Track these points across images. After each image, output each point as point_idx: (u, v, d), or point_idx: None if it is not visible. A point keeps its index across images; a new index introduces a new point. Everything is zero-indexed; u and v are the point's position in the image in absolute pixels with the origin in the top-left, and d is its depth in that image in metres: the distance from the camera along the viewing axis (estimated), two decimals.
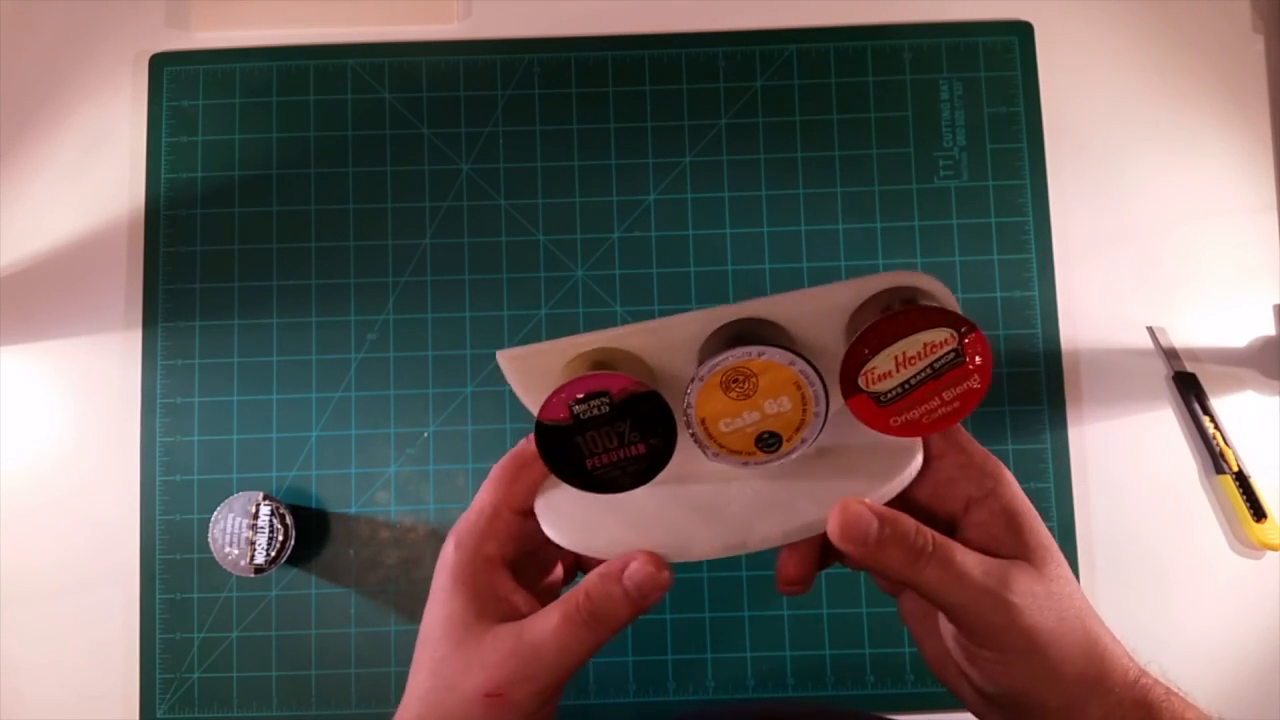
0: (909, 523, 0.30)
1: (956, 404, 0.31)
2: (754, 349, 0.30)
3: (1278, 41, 0.60)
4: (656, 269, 0.58)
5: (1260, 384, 0.57)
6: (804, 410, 0.31)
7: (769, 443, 0.31)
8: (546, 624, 0.32)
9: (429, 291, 0.58)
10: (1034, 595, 0.30)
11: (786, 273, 0.58)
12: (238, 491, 0.54)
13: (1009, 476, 0.32)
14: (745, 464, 0.32)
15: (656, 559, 0.31)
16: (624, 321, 0.57)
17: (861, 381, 0.31)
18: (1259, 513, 0.55)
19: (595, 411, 0.30)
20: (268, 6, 0.60)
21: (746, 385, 0.31)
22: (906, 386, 0.31)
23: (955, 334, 0.30)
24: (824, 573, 0.54)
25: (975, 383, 0.31)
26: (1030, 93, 0.59)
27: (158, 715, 0.55)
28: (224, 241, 0.58)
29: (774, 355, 0.30)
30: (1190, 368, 0.57)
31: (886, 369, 0.30)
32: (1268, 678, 0.55)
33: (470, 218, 0.58)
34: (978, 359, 0.30)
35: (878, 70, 0.60)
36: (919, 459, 0.33)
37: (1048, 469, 0.56)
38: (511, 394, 0.34)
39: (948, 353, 0.30)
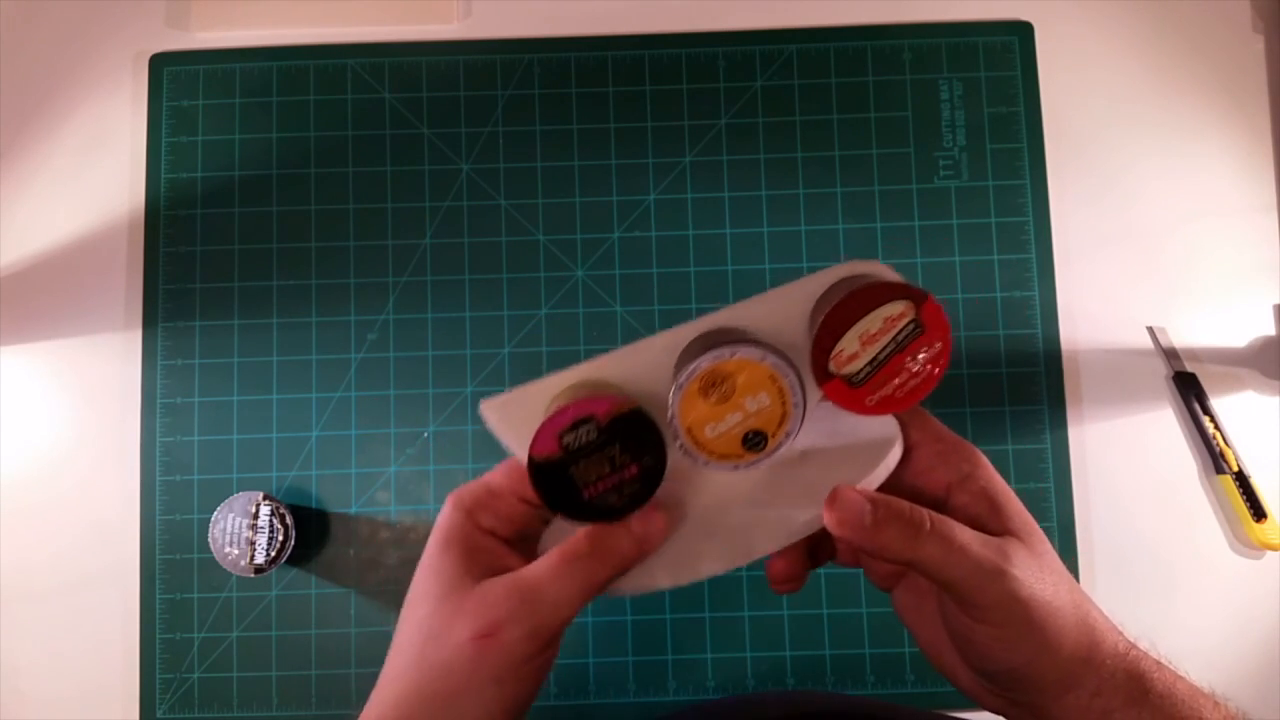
0: (902, 503, 0.30)
1: (925, 373, 0.32)
2: (726, 349, 0.31)
3: (1278, 41, 0.60)
4: (656, 269, 0.58)
5: (1260, 384, 0.57)
6: (783, 404, 0.31)
7: (755, 442, 0.32)
8: (543, 563, 0.32)
9: (429, 291, 0.58)
10: (1029, 568, 0.30)
11: (786, 273, 0.58)
12: (238, 491, 0.54)
13: (984, 460, 0.33)
14: (736, 467, 0.32)
15: (663, 517, 0.32)
16: (624, 322, 0.57)
17: (832, 366, 0.32)
18: (1259, 513, 0.55)
19: (585, 439, 0.31)
20: (268, 6, 0.60)
21: (725, 387, 0.31)
22: (875, 363, 0.32)
23: (911, 305, 0.31)
24: (824, 572, 0.55)
25: (938, 349, 0.32)
26: (1030, 93, 0.59)
27: (158, 715, 0.55)
28: (224, 241, 0.58)
29: (746, 352, 0.31)
30: (1190, 368, 0.57)
31: (853, 350, 0.31)
32: (1268, 678, 0.55)
33: (470, 218, 0.58)
34: (936, 325, 0.31)
35: (878, 70, 0.60)
36: (899, 443, 0.33)
37: (1048, 469, 0.56)
38: None
39: (907, 324, 0.31)
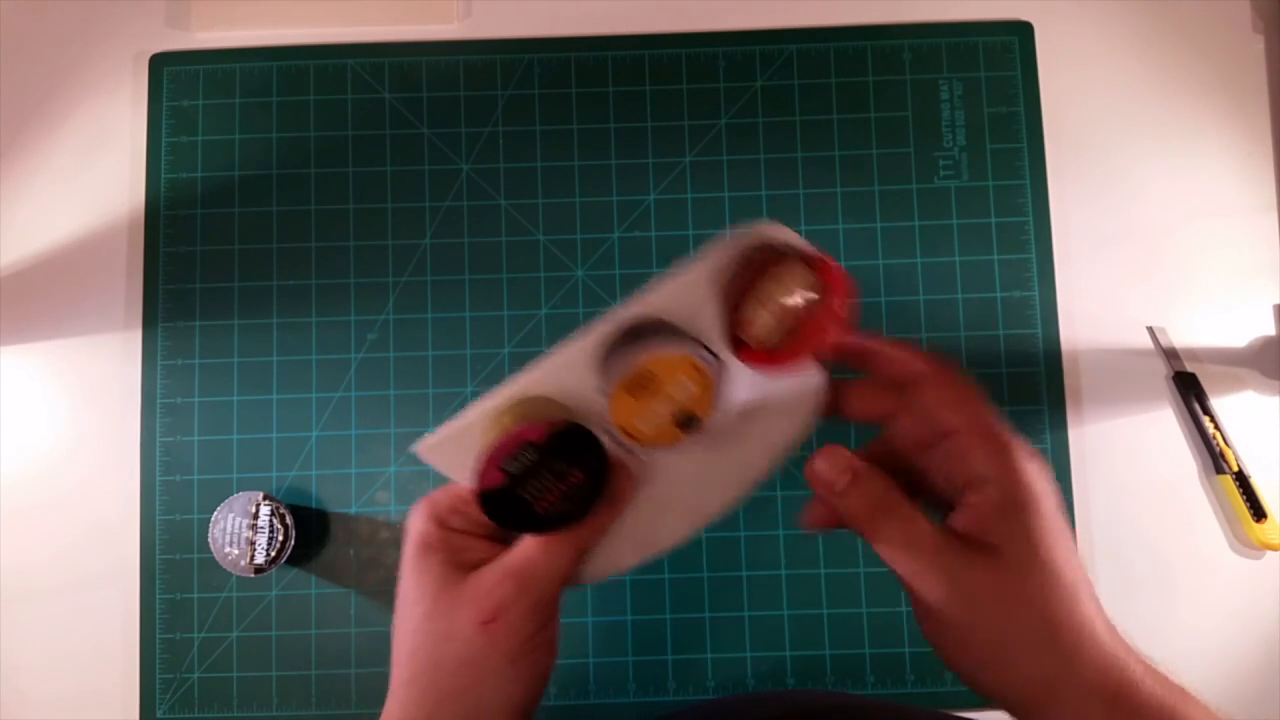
0: (880, 482, 0.32)
1: (834, 326, 0.33)
2: (643, 351, 0.32)
3: (1278, 41, 0.60)
4: (657, 269, 0.58)
5: (1260, 384, 0.57)
6: (705, 384, 0.33)
7: (689, 423, 0.33)
8: (528, 541, 0.33)
9: (429, 291, 0.58)
10: (977, 584, 0.30)
11: None
12: (238, 491, 0.54)
13: (1023, 464, 0.31)
14: (676, 449, 0.34)
15: (628, 470, 0.34)
16: None
17: (743, 335, 0.33)
18: (1259, 513, 0.55)
19: (526, 462, 0.32)
20: (268, 6, 0.60)
21: (649, 383, 0.33)
22: (783, 324, 0.33)
23: (805, 263, 0.33)
24: (824, 572, 0.55)
25: (838, 299, 0.33)
26: (1030, 93, 0.59)
27: (158, 715, 0.55)
28: (224, 241, 0.58)
29: (662, 349, 0.32)
30: (1190, 368, 0.57)
31: (760, 316, 0.33)
32: (1268, 678, 0.55)
33: (470, 218, 0.58)
34: (835, 280, 0.33)
35: (878, 70, 0.59)
36: (819, 387, 0.35)
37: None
38: None
39: (808, 283, 0.33)
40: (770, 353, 0.33)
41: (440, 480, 0.34)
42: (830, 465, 0.32)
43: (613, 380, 0.32)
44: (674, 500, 0.35)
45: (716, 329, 0.33)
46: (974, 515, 0.31)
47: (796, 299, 0.32)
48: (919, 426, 0.33)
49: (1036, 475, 0.31)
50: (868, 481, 0.32)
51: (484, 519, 0.33)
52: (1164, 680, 0.30)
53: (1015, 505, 0.31)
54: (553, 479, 0.32)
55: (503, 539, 0.34)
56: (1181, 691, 0.30)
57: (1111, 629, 0.31)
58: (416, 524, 0.34)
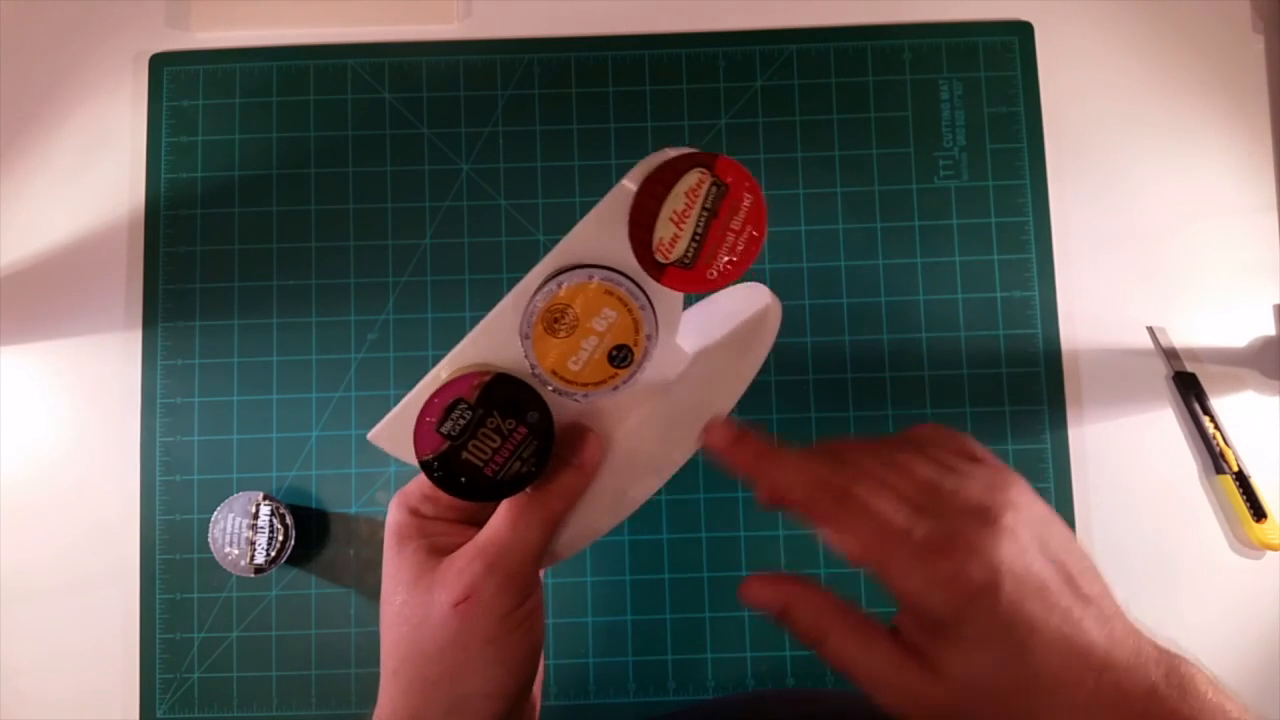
0: (815, 601, 0.31)
1: (751, 229, 0.32)
2: (550, 284, 0.31)
3: (1278, 41, 0.60)
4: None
5: (1260, 384, 0.57)
6: (629, 311, 0.32)
7: (621, 358, 0.32)
8: (496, 518, 0.32)
9: (429, 291, 0.58)
10: (932, 699, 0.28)
11: (787, 273, 0.58)
12: (238, 491, 0.54)
13: (952, 573, 0.28)
14: (616, 388, 0.32)
15: (595, 437, 0.33)
16: None
17: (660, 257, 0.32)
18: (1259, 513, 0.55)
19: (462, 421, 0.31)
20: (268, 6, 0.60)
21: (567, 317, 0.31)
22: (698, 238, 0.32)
23: (705, 170, 0.31)
24: (824, 572, 0.55)
25: (750, 201, 0.32)
26: (1030, 93, 0.59)
27: (158, 715, 0.55)
28: (224, 241, 0.58)
29: (570, 278, 0.31)
30: (1190, 368, 0.57)
31: (671, 234, 0.31)
32: (1268, 677, 0.55)
33: (470, 218, 0.58)
34: (738, 178, 0.31)
35: (878, 70, 0.59)
36: (773, 311, 0.34)
37: (1048, 469, 0.56)
38: None
39: (709, 188, 0.31)
40: (691, 269, 0.32)
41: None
42: (762, 591, 0.31)
43: (530, 321, 0.31)
44: (638, 456, 0.34)
45: (632, 257, 0.32)
46: (907, 635, 0.30)
47: (704, 208, 0.31)
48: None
49: (961, 578, 0.28)
50: (802, 604, 0.31)
51: (454, 502, 0.32)
52: (1187, 677, 0.27)
53: (937, 623, 0.28)
54: (497, 438, 0.31)
55: (480, 523, 0.34)
56: (1217, 689, 0.28)
57: (1112, 639, 0.28)
58: (391, 515, 0.34)
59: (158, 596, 0.55)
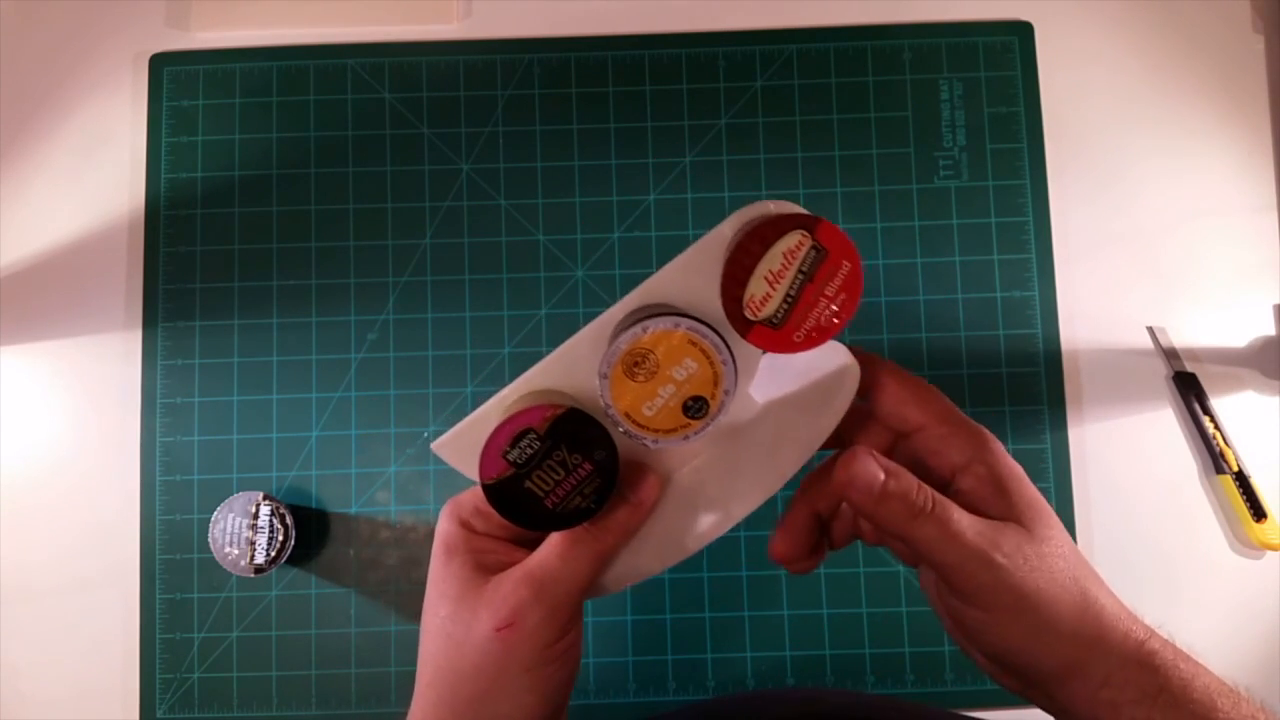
0: (910, 479, 0.31)
1: (844, 296, 0.32)
2: (637, 327, 0.30)
3: (1278, 41, 0.60)
4: (657, 269, 0.58)
5: (1260, 384, 0.57)
6: (711, 364, 0.31)
7: (697, 409, 0.32)
8: (548, 547, 0.32)
9: (429, 291, 0.58)
10: (1024, 556, 0.30)
11: None
12: (238, 491, 0.54)
13: (994, 443, 0.33)
14: (686, 438, 0.32)
15: (654, 473, 0.33)
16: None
17: (749, 314, 0.31)
18: (1259, 513, 0.55)
19: (530, 450, 0.31)
20: (268, 6, 0.60)
21: (648, 363, 0.31)
22: (790, 300, 0.31)
23: (806, 233, 0.31)
24: (824, 572, 0.55)
25: (848, 268, 0.31)
26: (1030, 93, 0.59)
27: (158, 715, 0.55)
28: (224, 241, 0.58)
29: (657, 325, 0.31)
30: (1190, 368, 0.57)
31: (763, 292, 0.31)
32: (1268, 677, 0.55)
33: (470, 218, 0.58)
34: (838, 246, 0.31)
35: (878, 70, 0.59)
36: (853, 369, 0.34)
37: (1048, 469, 0.56)
38: None
39: (808, 251, 0.31)
40: (779, 330, 0.31)
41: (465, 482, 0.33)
42: (860, 468, 0.31)
43: (611, 362, 0.31)
44: (698, 500, 0.34)
45: (719, 306, 0.32)
46: (973, 498, 0.32)
47: (800, 271, 0.31)
48: (879, 433, 0.34)
49: (1003, 449, 0.33)
50: (897, 479, 0.31)
51: (506, 522, 0.32)
52: (1166, 640, 0.32)
53: (1008, 478, 0.32)
54: (561, 471, 0.31)
55: (528, 543, 0.34)
56: (1177, 649, 0.32)
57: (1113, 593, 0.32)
58: (441, 525, 0.34)
59: (158, 596, 0.55)
